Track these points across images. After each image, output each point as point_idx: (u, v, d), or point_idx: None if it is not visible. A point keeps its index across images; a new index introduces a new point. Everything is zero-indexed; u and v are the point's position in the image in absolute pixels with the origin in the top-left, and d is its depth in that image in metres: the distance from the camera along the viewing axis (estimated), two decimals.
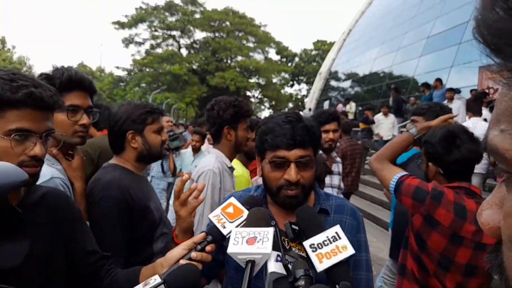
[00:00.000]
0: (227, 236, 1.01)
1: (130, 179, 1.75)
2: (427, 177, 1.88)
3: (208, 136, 3.93)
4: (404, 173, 1.81)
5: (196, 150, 5.54)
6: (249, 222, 0.97)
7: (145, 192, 1.80)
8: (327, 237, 0.95)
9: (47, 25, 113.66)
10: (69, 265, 1.18)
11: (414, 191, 1.71)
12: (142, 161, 1.85)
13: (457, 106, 7.94)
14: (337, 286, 0.82)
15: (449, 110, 2.53)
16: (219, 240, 1.05)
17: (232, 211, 1.06)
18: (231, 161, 2.26)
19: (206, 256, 1.05)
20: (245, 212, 1.06)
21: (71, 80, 1.55)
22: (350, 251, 0.93)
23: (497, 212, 0.37)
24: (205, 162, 2.20)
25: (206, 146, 5.40)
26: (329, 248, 0.93)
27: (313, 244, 0.94)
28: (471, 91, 8.67)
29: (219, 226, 1.04)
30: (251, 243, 0.88)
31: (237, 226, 1.02)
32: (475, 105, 6.11)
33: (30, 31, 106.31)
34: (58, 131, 1.45)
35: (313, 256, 0.93)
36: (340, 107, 16.31)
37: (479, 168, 5.23)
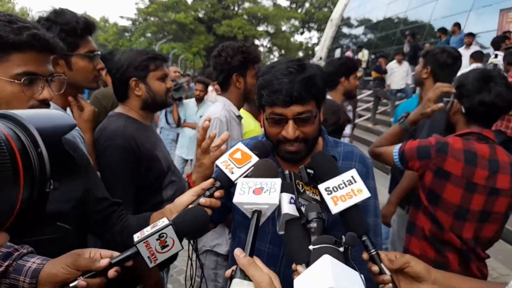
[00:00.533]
0: (235, 182, 1.01)
1: (136, 128, 1.73)
2: (448, 117, 1.84)
3: (216, 86, 3.78)
4: (400, 144, 1.79)
5: (200, 100, 5.46)
6: (256, 173, 0.97)
7: (152, 142, 1.78)
8: (343, 180, 0.94)
9: None
10: (80, 213, 1.17)
11: (417, 151, 1.70)
12: (147, 109, 1.82)
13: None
14: (343, 236, 0.81)
15: (456, 53, 2.47)
16: (228, 186, 1.05)
17: (240, 157, 1.05)
18: (239, 109, 2.21)
19: (214, 201, 1.05)
20: (253, 157, 1.05)
21: (88, 25, 1.52)
22: (366, 194, 0.92)
23: None
24: (211, 111, 2.14)
25: (214, 96, 5.30)
26: (344, 191, 0.92)
27: (328, 187, 0.94)
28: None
29: (227, 171, 1.03)
30: (258, 193, 0.87)
31: (245, 172, 1.02)
32: (478, 52, 6.15)
33: None
34: (79, 77, 1.51)
35: (328, 198, 0.92)
36: (349, 54, 15.85)
37: None
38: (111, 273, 0.88)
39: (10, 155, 0.31)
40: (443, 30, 10.25)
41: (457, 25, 9.64)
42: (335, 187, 0.94)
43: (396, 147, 1.79)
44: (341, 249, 0.78)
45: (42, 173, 0.34)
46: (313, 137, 1.22)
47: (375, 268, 0.92)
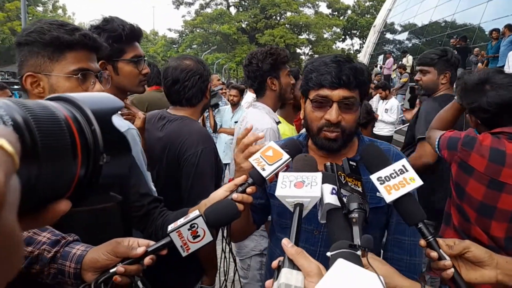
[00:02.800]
0: (266, 178, 1.04)
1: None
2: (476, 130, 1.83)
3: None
4: (441, 133, 1.81)
5: (235, 105, 5.53)
6: (297, 167, 0.97)
7: None
8: (394, 170, 0.94)
9: None
10: (123, 207, 1.24)
11: (448, 141, 1.73)
12: (201, 113, 1.97)
13: None
14: (358, 240, 0.81)
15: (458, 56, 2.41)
16: (259, 182, 1.06)
17: (271, 154, 1.07)
18: (275, 111, 2.22)
19: (247, 197, 1.06)
20: (284, 155, 1.07)
21: (134, 31, 1.59)
22: (418, 182, 0.92)
23: None
24: (257, 120, 2.05)
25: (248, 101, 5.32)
26: (397, 180, 0.93)
27: (381, 177, 0.94)
28: None
29: (258, 168, 1.05)
30: (299, 187, 0.88)
31: (276, 168, 1.05)
32: None
33: None
34: (126, 81, 1.57)
35: (381, 188, 0.93)
36: (390, 60, 15.53)
37: None
38: (147, 260, 0.92)
39: (69, 134, 0.36)
40: (496, 31, 9.84)
41: (508, 26, 9.20)
42: (387, 176, 0.94)
43: (438, 135, 1.80)
44: (359, 252, 0.77)
45: (96, 148, 0.38)
46: (351, 128, 1.22)
47: (434, 254, 0.91)
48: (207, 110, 5.44)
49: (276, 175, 1.02)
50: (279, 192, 0.89)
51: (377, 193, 1.00)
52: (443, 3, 17.04)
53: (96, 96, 0.44)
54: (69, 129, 0.36)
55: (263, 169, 1.05)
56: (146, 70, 1.65)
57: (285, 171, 1.04)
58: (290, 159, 1.06)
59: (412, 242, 1.22)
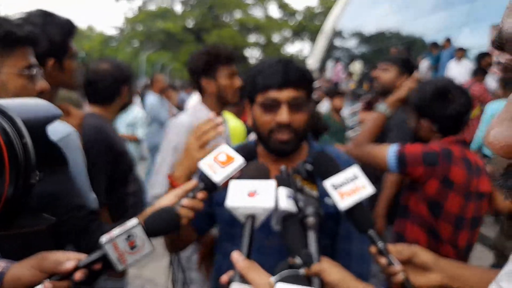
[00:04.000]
0: (219, 183, 1.02)
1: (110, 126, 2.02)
2: (419, 135, 1.88)
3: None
4: (396, 145, 1.75)
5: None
6: (248, 175, 0.96)
7: (120, 137, 2.09)
8: (346, 177, 0.97)
9: None
10: (55, 222, 1.07)
11: (423, 156, 1.68)
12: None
13: (465, 67, 8.06)
14: (297, 256, 0.82)
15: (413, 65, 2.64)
16: (211, 187, 1.04)
17: (224, 159, 1.05)
18: (218, 113, 2.10)
19: (198, 203, 1.04)
20: (237, 158, 1.04)
21: (75, 27, 1.62)
22: (369, 189, 0.95)
23: (509, 127, 0.33)
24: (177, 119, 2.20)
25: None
26: (349, 187, 0.95)
27: (334, 184, 0.96)
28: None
29: (210, 173, 1.03)
30: (251, 196, 0.87)
31: (229, 173, 1.02)
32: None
33: None
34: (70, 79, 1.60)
35: (335, 194, 0.95)
36: (339, 67, 16.05)
37: None
38: (78, 275, 0.86)
39: None
40: (434, 45, 10.61)
41: (448, 40, 10.09)
42: (340, 183, 0.96)
43: (392, 149, 1.72)
44: (302, 270, 0.79)
45: (28, 164, 0.34)
46: (303, 128, 1.22)
47: (383, 260, 0.92)
48: None
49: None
50: (230, 202, 0.89)
51: (325, 199, 1.06)
52: (390, 13, 17.79)
53: (29, 104, 0.40)
54: None
55: (215, 173, 1.04)
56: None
57: (238, 177, 1.02)
58: (245, 163, 1.05)
59: (360, 250, 1.22)
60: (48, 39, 1.39)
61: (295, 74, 1.18)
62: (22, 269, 0.86)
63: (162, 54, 37.42)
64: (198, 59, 2.07)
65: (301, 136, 1.24)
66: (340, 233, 1.25)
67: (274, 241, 1.19)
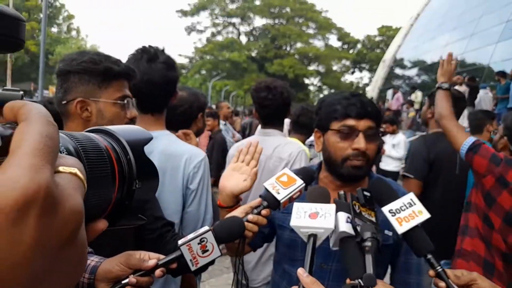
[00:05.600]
0: (281, 201, 1.08)
1: None
2: (495, 148, 2.08)
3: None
4: (475, 138, 1.98)
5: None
6: (311, 198, 1.01)
7: None
8: (403, 203, 0.99)
9: (115, 14, 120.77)
10: (137, 228, 1.29)
11: (492, 155, 1.89)
12: None
13: None
14: (359, 280, 0.86)
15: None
16: (273, 205, 1.10)
17: (286, 180, 1.12)
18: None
19: (261, 219, 1.10)
20: (298, 180, 1.11)
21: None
22: (426, 215, 0.97)
23: None
24: (292, 143, 2.32)
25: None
26: (406, 213, 0.97)
27: (392, 210, 0.98)
28: None
29: (273, 192, 1.09)
30: (314, 218, 0.92)
31: (290, 193, 1.09)
32: None
33: (100, 21, 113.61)
34: None
35: (393, 220, 0.97)
36: (399, 96, 15.57)
37: None
38: (158, 272, 0.96)
39: (109, 162, 0.40)
40: (502, 74, 10.05)
41: None
42: (398, 209, 0.98)
43: (471, 138, 1.95)
44: None
45: (131, 175, 0.43)
46: (373, 157, 1.29)
47: (442, 284, 0.94)
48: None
49: (290, 200, 1.09)
50: (294, 222, 0.93)
51: (385, 231, 1.09)
52: (453, 42, 17.26)
53: (129, 129, 0.48)
54: (109, 158, 0.41)
55: (278, 193, 1.09)
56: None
57: (297, 197, 1.10)
58: (304, 184, 1.11)
59: (418, 280, 1.27)
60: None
61: (371, 106, 1.26)
62: (112, 264, 0.96)
63: (227, 81, 39.22)
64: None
65: (372, 164, 1.31)
66: (399, 265, 1.29)
67: (329, 265, 1.26)
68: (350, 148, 1.23)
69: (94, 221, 0.39)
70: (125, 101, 1.26)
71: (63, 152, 0.35)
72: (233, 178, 1.28)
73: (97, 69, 1.21)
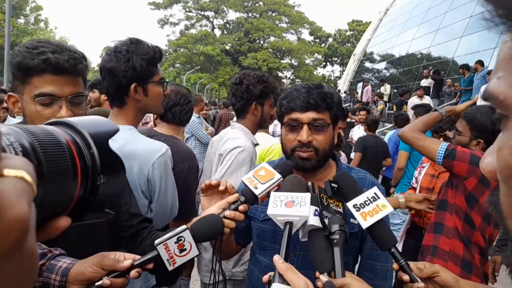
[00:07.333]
0: (259, 196, 1.07)
1: None
2: (458, 141, 2.11)
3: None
4: (447, 143, 1.99)
5: None
6: (287, 188, 1.03)
7: None
8: (367, 197, 1.01)
9: (85, 6, 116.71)
10: (111, 227, 1.25)
11: (470, 157, 1.90)
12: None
13: None
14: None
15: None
16: (251, 201, 1.09)
17: (263, 174, 1.11)
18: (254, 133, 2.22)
19: (239, 215, 1.08)
20: (276, 174, 1.11)
21: (161, 54, 1.61)
22: (389, 208, 0.99)
23: (494, 157, 0.38)
24: (235, 138, 2.05)
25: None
26: (370, 207, 0.99)
27: (356, 204, 1.00)
28: None
29: (251, 187, 1.08)
30: (290, 206, 0.93)
31: (268, 187, 1.08)
32: None
33: (70, 12, 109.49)
34: (155, 102, 1.57)
35: (357, 215, 0.99)
36: (368, 88, 15.94)
37: None
38: (133, 273, 0.92)
39: (70, 157, 0.39)
40: (466, 67, 10.35)
41: (480, 62, 9.74)
42: (362, 203, 1.00)
43: (444, 144, 1.96)
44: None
45: (94, 170, 0.41)
46: (324, 148, 1.28)
47: (406, 277, 0.96)
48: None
49: (268, 194, 1.07)
50: (271, 210, 0.94)
51: (351, 220, 1.07)
52: (420, 36, 17.76)
53: (93, 120, 0.47)
54: (70, 153, 0.39)
55: (256, 188, 1.08)
56: (167, 91, 1.68)
57: (276, 190, 1.07)
58: (282, 178, 1.10)
59: (384, 267, 1.28)
60: (132, 65, 1.44)
61: (316, 98, 1.25)
62: (84, 265, 0.92)
63: (202, 74, 38.84)
64: (255, 83, 2.08)
65: (324, 156, 1.30)
66: (366, 250, 1.30)
67: (297, 253, 1.27)
68: (296, 140, 1.27)
69: (55, 219, 0.37)
70: (37, 100, 1.11)
71: (17, 149, 0.32)
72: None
73: (13, 63, 1.12)
